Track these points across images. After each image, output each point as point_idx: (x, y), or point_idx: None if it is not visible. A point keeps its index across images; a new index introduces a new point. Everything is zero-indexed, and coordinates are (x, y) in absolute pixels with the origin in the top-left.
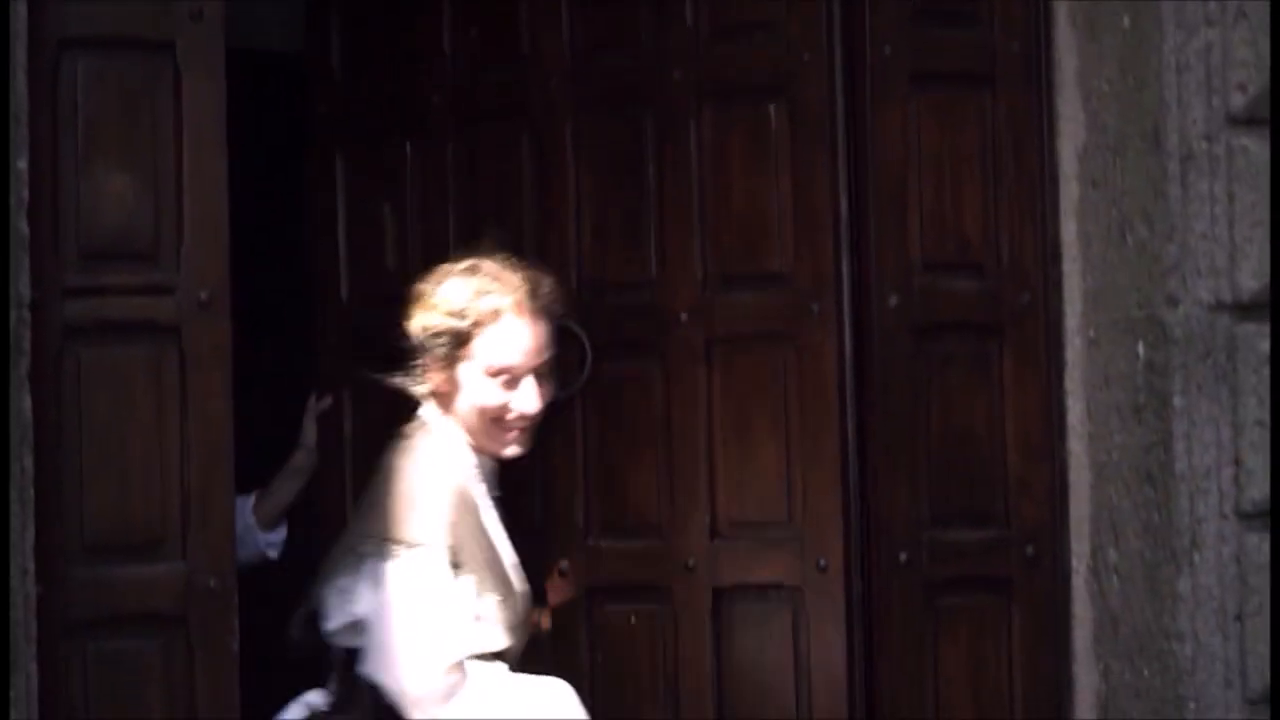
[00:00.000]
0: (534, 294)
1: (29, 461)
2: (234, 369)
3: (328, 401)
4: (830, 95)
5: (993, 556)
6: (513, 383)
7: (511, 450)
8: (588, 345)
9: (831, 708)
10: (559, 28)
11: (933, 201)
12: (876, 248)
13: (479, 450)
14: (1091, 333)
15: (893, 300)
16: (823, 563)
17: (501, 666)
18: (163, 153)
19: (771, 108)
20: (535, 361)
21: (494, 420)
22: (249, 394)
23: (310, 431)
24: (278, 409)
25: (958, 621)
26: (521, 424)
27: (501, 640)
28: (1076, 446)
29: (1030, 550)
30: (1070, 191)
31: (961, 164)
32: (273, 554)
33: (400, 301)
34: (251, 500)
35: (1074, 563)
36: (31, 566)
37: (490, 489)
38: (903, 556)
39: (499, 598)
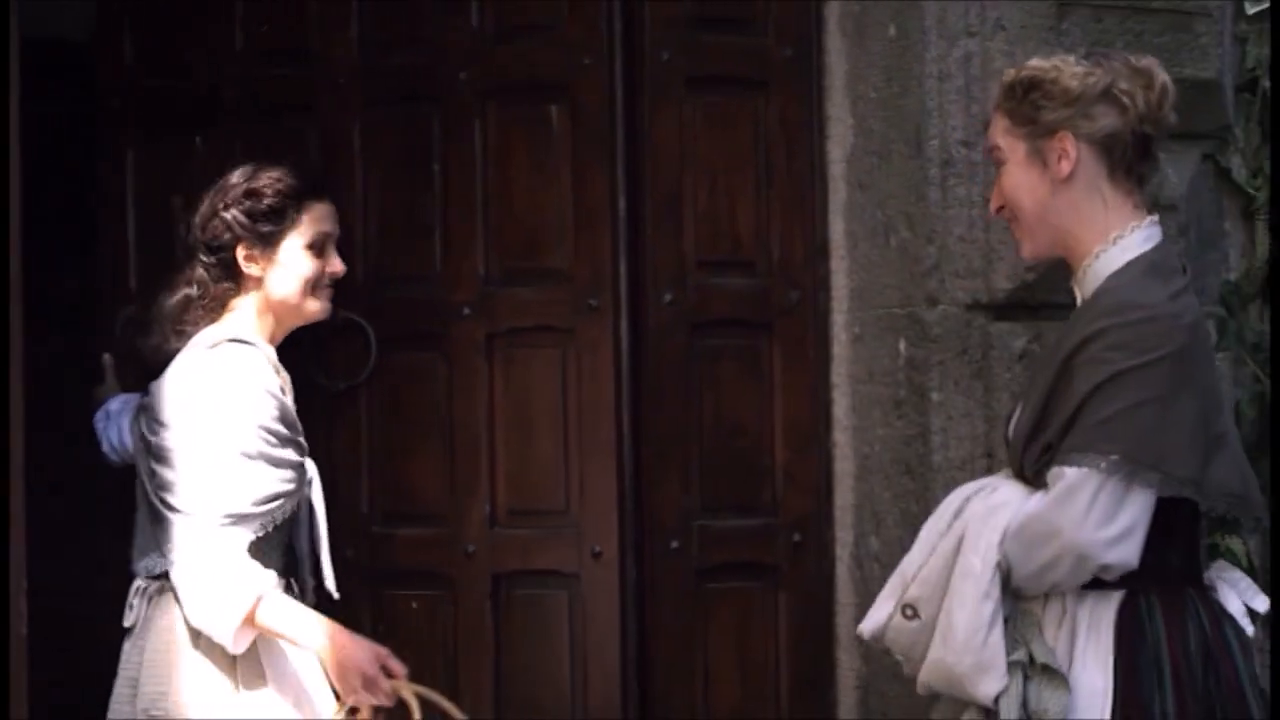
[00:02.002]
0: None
1: None
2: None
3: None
4: (610, 98)
5: (760, 544)
6: (322, 250)
7: (327, 306)
8: (372, 337)
9: (605, 690)
10: (348, 26)
11: (706, 202)
12: (652, 246)
13: (286, 326)
14: (856, 329)
15: (667, 297)
16: (597, 550)
17: None
18: None
19: (554, 109)
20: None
21: (313, 287)
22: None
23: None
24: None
25: (726, 606)
26: (330, 286)
27: None
28: (841, 439)
29: (796, 538)
30: (838, 193)
31: (735, 166)
32: None
33: None
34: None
35: (838, 550)
36: None
37: None
38: (674, 544)
39: None
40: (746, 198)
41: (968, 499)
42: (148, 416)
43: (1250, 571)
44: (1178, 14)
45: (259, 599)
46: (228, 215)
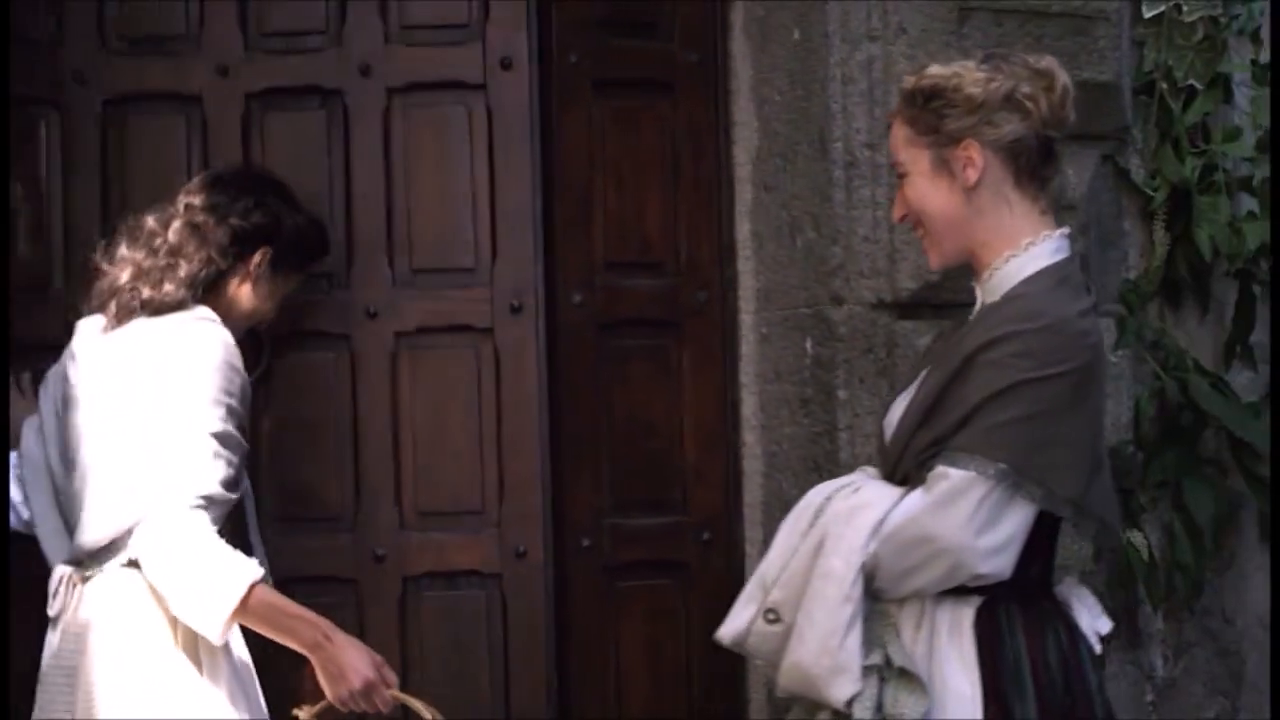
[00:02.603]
0: None
1: None
2: None
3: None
4: (529, 99)
5: (671, 542)
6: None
7: None
8: (266, 338)
9: (532, 690)
10: (246, 15)
11: (615, 203)
12: (561, 248)
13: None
14: (764, 329)
15: (576, 298)
16: (522, 549)
17: None
18: None
19: (472, 109)
20: None
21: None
22: None
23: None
24: None
25: (638, 604)
26: None
27: None
28: (749, 437)
29: (706, 535)
30: (744, 194)
31: (643, 167)
32: None
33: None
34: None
35: (747, 547)
36: None
37: None
38: (585, 542)
39: None
40: (654, 199)
41: (828, 498)
42: (71, 389)
43: (1150, 566)
44: (1076, 18)
45: (251, 587)
46: (286, 220)
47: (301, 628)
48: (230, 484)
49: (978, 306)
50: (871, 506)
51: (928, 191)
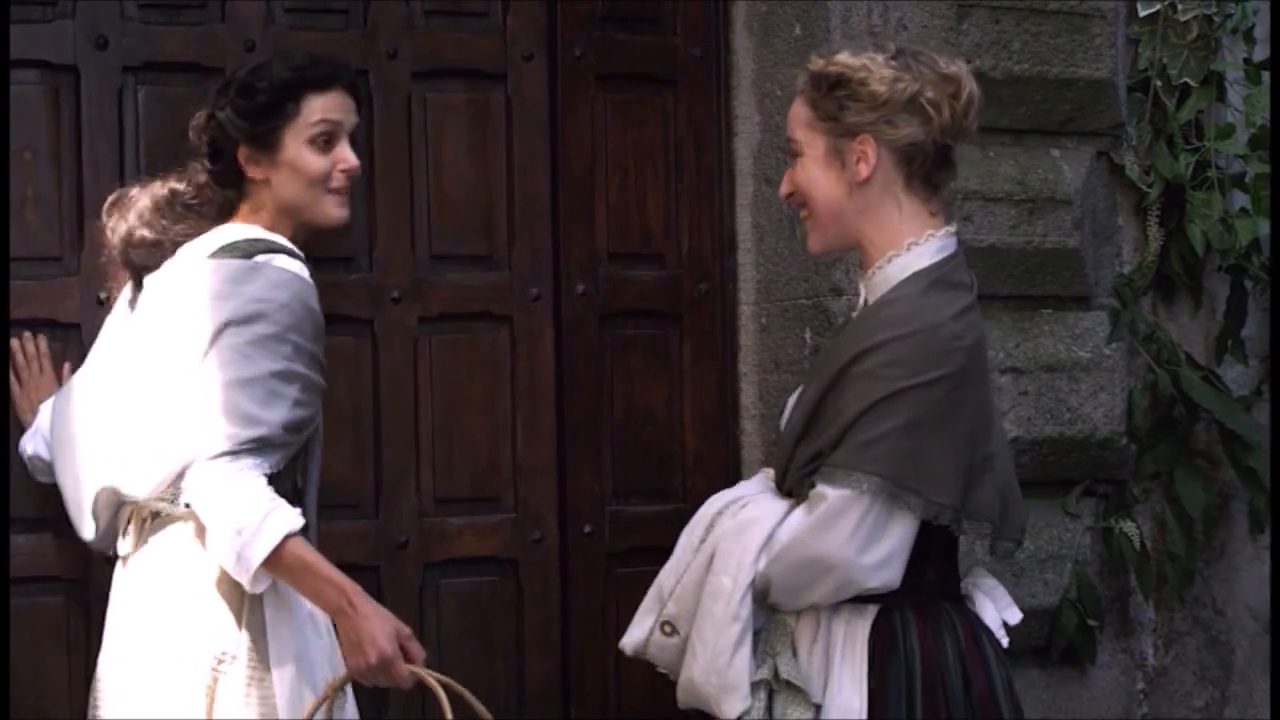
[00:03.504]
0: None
1: None
2: None
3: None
4: (549, 91)
5: (670, 529)
6: (329, 144)
7: (345, 212)
8: None
9: (546, 673)
10: None
11: (618, 196)
12: (565, 238)
13: (301, 233)
14: (763, 320)
15: (579, 288)
16: (537, 535)
17: None
18: None
19: (491, 97)
20: (349, 119)
21: (323, 186)
22: None
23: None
24: None
25: (637, 589)
26: (347, 181)
27: None
28: (749, 426)
29: None
30: (745, 188)
31: (645, 161)
32: None
33: None
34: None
35: None
36: None
37: None
38: (587, 528)
39: None
40: (657, 192)
41: (719, 512)
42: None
43: (1142, 556)
44: (1073, 15)
45: (286, 537)
46: (222, 115)
47: (328, 591)
48: (293, 426)
49: (860, 304)
50: (758, 523)
51: (817, 177)
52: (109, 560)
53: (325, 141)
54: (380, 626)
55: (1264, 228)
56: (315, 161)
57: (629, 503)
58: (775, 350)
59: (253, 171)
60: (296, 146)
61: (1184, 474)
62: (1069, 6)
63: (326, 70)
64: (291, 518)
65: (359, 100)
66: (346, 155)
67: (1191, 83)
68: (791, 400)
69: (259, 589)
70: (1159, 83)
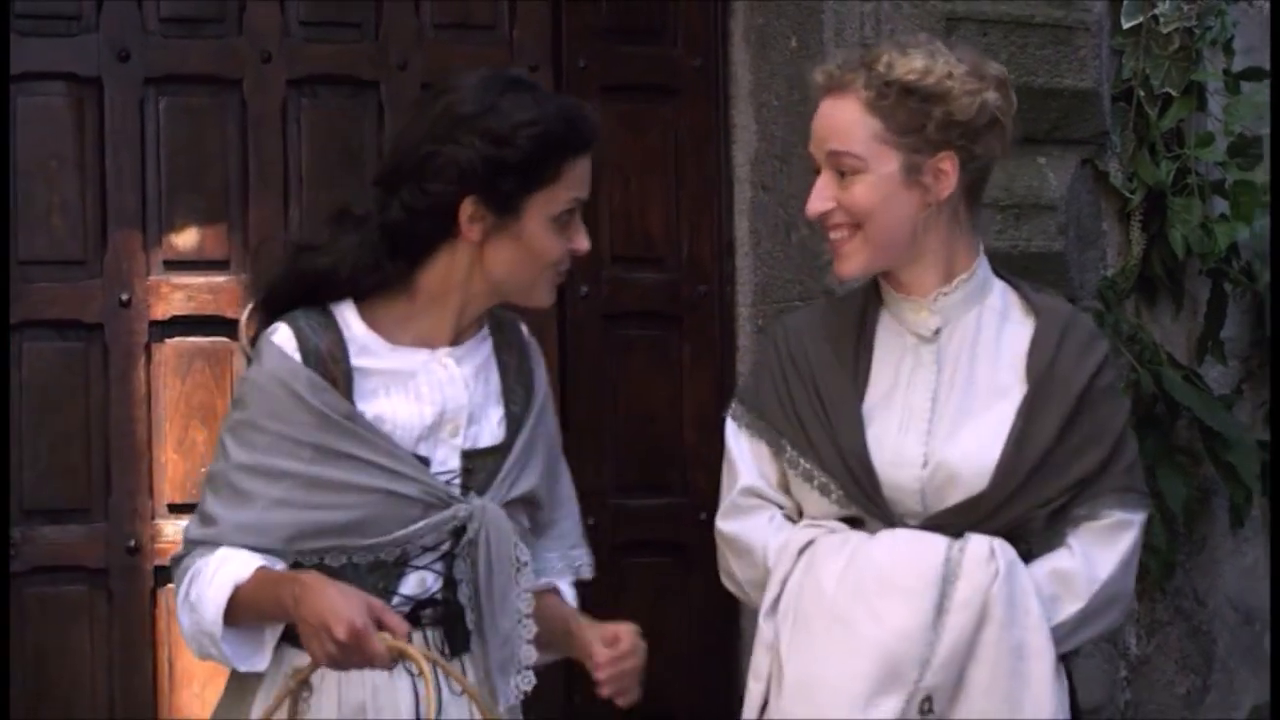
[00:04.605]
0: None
1: None
2: None
3: None
4: None
5: (671, 522)
6: (569, 222)
7: (553, 298)
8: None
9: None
10: (285, 3)
11: (620, 201)
12: None
13: (476, 313)
14: (760, 321)
15: (583, 290)
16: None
17: None
18: None
19: None
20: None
21: (553, 268)
22: None
23: None
24: None
25: (640, 579)
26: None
27: None
28: None
29: (704, 516)
30: (743, 194)
31: (647, 168)
32: None
33: None
34: None
35: None
36: None
37: None
38: (590, 521)
39: None
40: (658, 198)
41: (949, 561)
42: None
43: None
44: (1059, 28)
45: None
46: (462, 152)
47: (277, 591)
48: (272, 530)
49: (929, 331)
50: (1016, 564)
51: (887, 198)
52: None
53: (569, 219)
54: (345, 600)
55: (1243, 233)
56: (556, 244)
57: (631, 496)
58: None
59: (471, 232)
60: (540, 221)
61: (1165, 470)
62: (1054, 19)
63: (590, 129)
64: (231, 575)
65: None
66: (583, 239)
67: (1173, 92)
68: (878, 421)
69: (257, 666)
70: (1142, 92)
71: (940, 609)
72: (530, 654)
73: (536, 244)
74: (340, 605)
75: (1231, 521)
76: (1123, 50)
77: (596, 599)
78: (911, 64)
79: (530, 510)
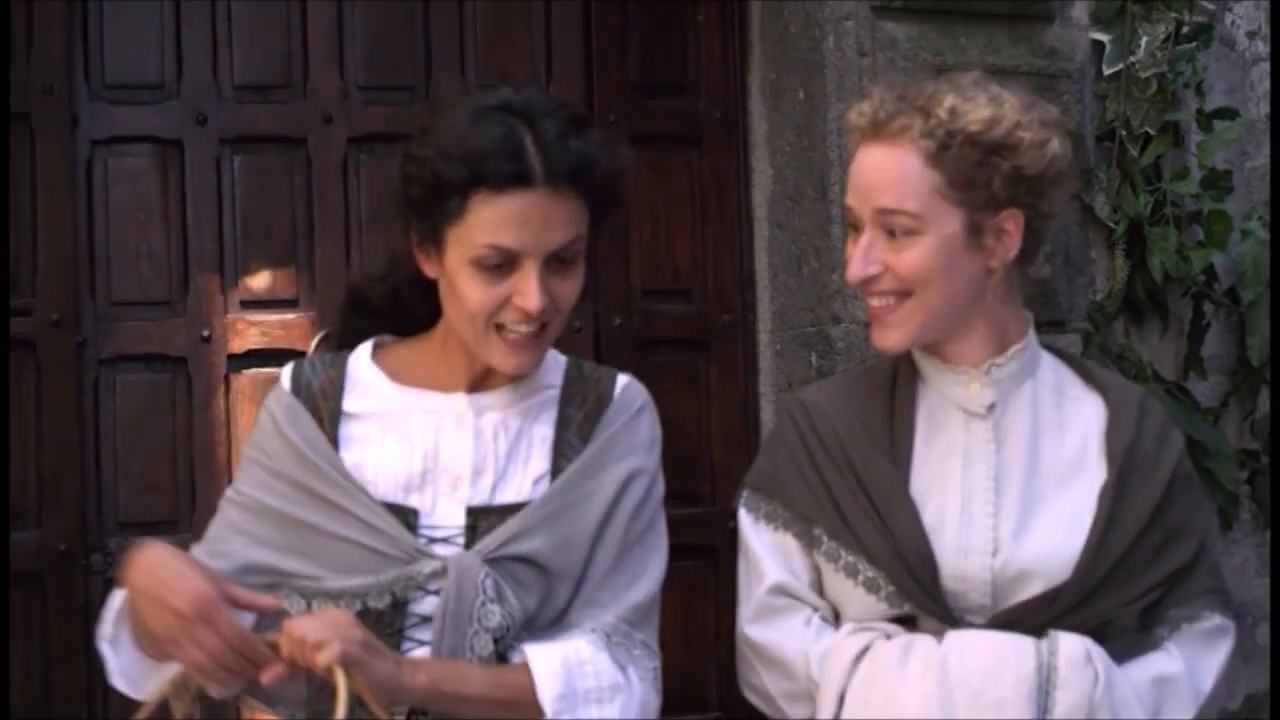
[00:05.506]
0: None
1: None
2: None
3: None
4: None
5: (700, 529)
6: (507, 269)
7: (519, 363)
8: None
9: None
10: (344, 65)
11: (650, 239)
12: (604, 277)
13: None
14: (778, 346)
15: (617, 321)
16: None
17: None
18: None
19: None
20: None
21: (488, 323)
22: None
23: None
24: None
25: (670, 585)
26: (533, 328)
27: None
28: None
29: (731, 524)
30: (762, 232)
31: (674, 209)
32: None
33: None
34: None
35: None
36: None
37: None
38: None
39: None
40: (684, 236)
41: (1041, 666)
42: None
43: None
44: (1044, 76)
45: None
46: (403, 175)
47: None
48: (236, 562)
49: (978, 405)
50: (1129, 675)
51: (947, 261)
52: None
53: (500, 265)
54: (189, 567)
55: (1217, 258)
56: (474, 290)
57: (664, 505)
58: (788, 372)
59: (425, 265)
60: (458, 262)
61: None
62: (1039, 67)
63: (506, 171)
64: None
65: None
66: (526, 296)
67: (1151, 131)
68: (935, 505)
69: (139, 688)
70: (1123, 132)
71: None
72: None
73: (458, 288)
74: (182, 569)
75: (1221, 525)
76: (1106, 94)
77: None
78: (979, 111)
79: (541, 576)
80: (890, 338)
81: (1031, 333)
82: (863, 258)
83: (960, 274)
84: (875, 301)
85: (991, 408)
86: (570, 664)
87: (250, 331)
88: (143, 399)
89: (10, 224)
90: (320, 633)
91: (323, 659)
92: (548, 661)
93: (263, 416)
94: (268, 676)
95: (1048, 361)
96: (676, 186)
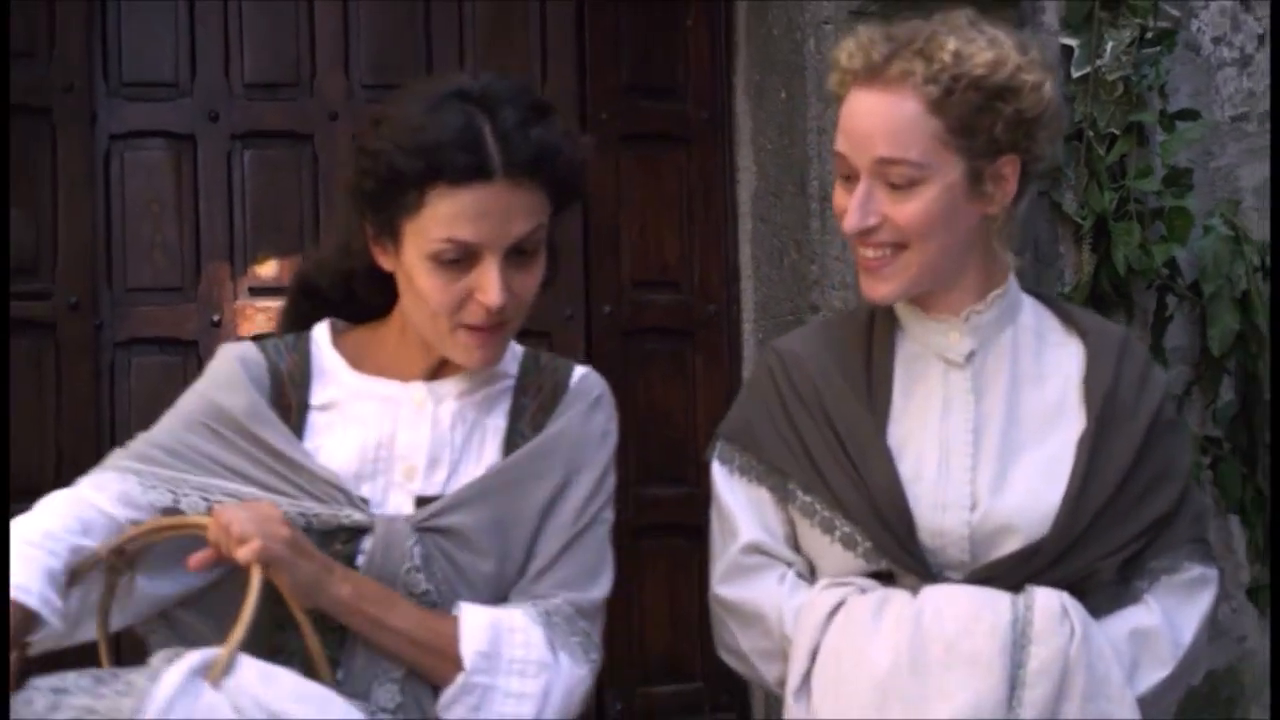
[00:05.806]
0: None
1: None
2: None
3: None
4: None
5: (685, 509)
6: (466, 264)
7: (481, 357)
8: None
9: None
10: (349, 65)
11: (639, 234)
12: (594, 269)
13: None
14: (761, 335)
15: (607, 310)
16: None
17: None
18: None
19: None
20: (509, 232)
21: (451, 319)
22: None
23: None
24: None
25: (658, 560)
26: (494, 324)
27: None
28: None
29: None
30: (745, 226)
31: (662, 205)
32: None
33: None
34: None
35: None
36: None
37: None
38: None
39: None
40: (672, 230)
41: (1016, 621)
42: None
43: None
44: None
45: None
46: (358, 167)
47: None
48: (121, 496)
49: (957, 353)
50: (1090, 623)
51: (948, 211)
52: None
53: (459, 260)
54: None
55: (1179, 252)
56: (431, 284)
57: (650, 487)
58: None
59: (381, 258)
60: (415, 255)
61: None
62: None
63: (461, 164)
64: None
65: None
66: (488, 291)
67: (1117, 132)
68: (909, 457)
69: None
70: (1090, 132)
71: (1015, 680)
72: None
73: (417, 283)
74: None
75: None
76: (1074, 96)
77: (620, 576)
78: (983, 55)
79: (472, 557)
80: (882, 289)
81: (1012, 278)
82: (860, 209)
83: (959, 224)
84: (870, 253)
85: (971, 356)
86: (500, 627)
87: (258, 317)
88: (156, 380)
89: (33, 214)
90: (245, 526)
91: (242, 554)
92: (478, 619)
93: (200, 401)
94: (194, 561)
95: (1029, 306)
96: (665, 184)
